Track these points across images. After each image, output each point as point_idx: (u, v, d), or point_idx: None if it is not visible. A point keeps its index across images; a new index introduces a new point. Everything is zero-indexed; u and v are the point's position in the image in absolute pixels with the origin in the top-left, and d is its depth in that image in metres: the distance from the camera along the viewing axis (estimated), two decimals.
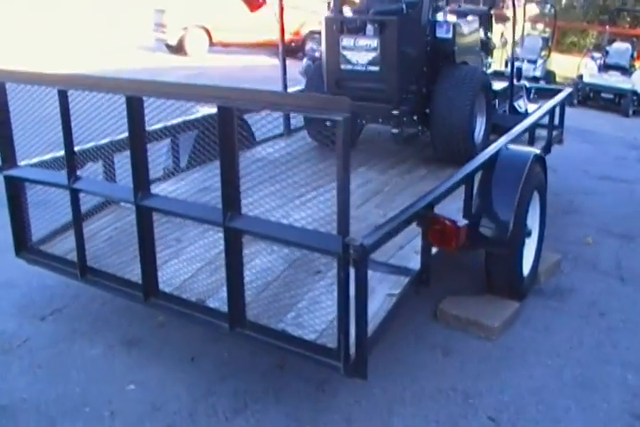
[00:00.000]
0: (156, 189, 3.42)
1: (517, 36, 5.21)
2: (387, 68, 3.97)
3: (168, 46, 13.89)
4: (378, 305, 2.72)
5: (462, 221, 2.70)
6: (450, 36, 4.16)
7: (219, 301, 2.76)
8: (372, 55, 3.99)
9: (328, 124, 4.24)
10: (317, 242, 2.38)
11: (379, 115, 4.23)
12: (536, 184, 3.58)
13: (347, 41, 4.08)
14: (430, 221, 2.71)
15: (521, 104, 5.08)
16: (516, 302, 3.53)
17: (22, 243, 3.44)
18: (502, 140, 3.72)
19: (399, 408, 2.79)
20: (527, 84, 5.56)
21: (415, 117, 4.21)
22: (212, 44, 13.84)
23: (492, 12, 5.00)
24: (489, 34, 5.00)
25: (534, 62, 11.31)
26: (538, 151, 3.65)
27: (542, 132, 4.99)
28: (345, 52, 4.09)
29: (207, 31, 13.65)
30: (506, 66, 11.60)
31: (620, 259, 4.28)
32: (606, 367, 3.09)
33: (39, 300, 3.47)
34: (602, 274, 4.05)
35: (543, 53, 11.58)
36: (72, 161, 3.01)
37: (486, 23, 4.94)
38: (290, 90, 5.09)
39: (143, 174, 2.81)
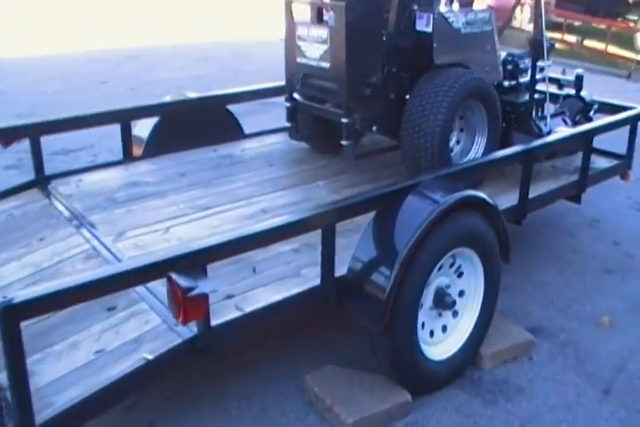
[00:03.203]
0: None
1: None
2: (336, 65, 3.15)
3: None
4: (119, 370, 2.09)
5: (201, 289, 1.91)
6: (429, 30, 3.18)
7: None
8: (323, 48, 3.20)
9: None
10: None
11: (330, 121, 3.40)
12: (461, 239, 2.60)
13: (301, 29, 3.32)
14: (169, 282, 1.98)
15: (556, 123, 3.83)
16: (407, 394, 2.59)
17: None
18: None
19: None
20: (589, 97, 4.21)
21: (374, 128, 3.31)
22: None
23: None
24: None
25: None
26: (474, 194, 2.61)
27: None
28: (300, 43, 3.34)
29: None
30: None
31: (627, 359, 3.00)
32: None
33: None
34: (583, 376, 2.86)
35: None
36: None
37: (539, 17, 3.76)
38: None
39: None
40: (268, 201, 3.33)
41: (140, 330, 2.29)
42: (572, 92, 4.25)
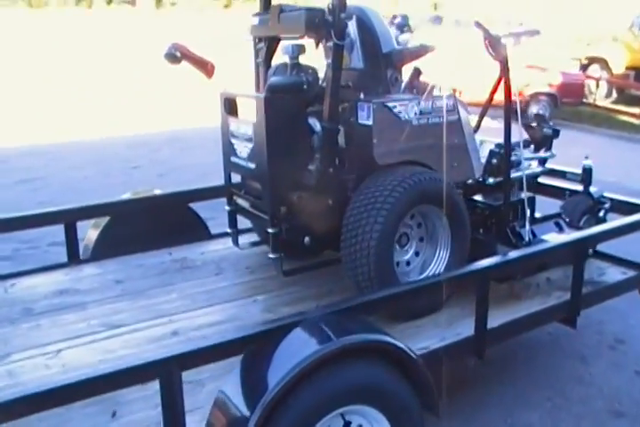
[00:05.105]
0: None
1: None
2: (260, 165, 2.79)
3: None
4: None
5: None
6: (369, 122, 2.76)
7: None
8: (249, 147, 2.86)
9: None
10: None
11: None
12: (353, 396, 2.04)
13: (233, 125, 3.02)
14: None
15: (549, 228, 3.21)
16: None
17: None
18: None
19: None
20: (599, 193, 3.56)
21: (306, 240, 2.86)
22: None
23: None
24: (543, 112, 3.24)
25: None
26: (371, 338, 2.07)
27: None
28: (232, 140, 3.03)
29: None
30: None
31: None
32: None
33: None
34: None
35: None
36: None
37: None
38: None
39: None
40: (188, 320, 2.93)
41: None
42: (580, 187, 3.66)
